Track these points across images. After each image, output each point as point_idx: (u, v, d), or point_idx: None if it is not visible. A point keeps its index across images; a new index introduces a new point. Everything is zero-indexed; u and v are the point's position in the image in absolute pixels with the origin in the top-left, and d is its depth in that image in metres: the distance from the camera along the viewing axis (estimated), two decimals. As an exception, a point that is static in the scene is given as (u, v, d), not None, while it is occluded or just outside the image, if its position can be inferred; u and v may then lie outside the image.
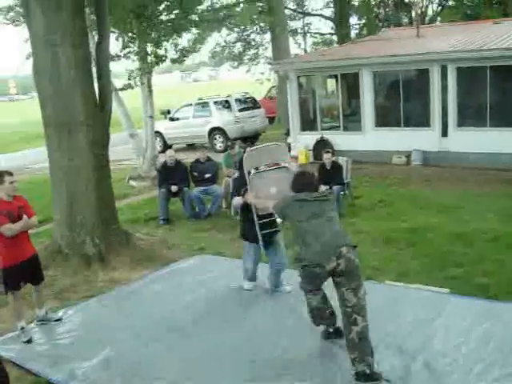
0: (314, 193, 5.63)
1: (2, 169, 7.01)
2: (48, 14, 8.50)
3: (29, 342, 6.56)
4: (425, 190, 12.69)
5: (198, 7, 17.77)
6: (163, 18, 16.37)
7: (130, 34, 15.31)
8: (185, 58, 18.39)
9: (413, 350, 5.63)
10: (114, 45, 15.71)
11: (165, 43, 16.31)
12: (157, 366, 5.82)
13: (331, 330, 5.98)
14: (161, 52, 16.21)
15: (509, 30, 16.43)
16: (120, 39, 15.68)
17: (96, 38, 10.01)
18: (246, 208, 7.05)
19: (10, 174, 6.51)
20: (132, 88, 16.29)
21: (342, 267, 5.16)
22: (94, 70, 9.56)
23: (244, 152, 7.92)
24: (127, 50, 15.86)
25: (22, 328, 6.66)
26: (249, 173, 6.82)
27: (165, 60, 16.73)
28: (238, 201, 7.16)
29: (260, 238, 6.98)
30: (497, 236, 8.87)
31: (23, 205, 6.64)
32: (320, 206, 5.50)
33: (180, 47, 17.62)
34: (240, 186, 7.19)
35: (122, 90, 16.18)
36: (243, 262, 7.59)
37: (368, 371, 5.08)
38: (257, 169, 6.85)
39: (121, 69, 17.69)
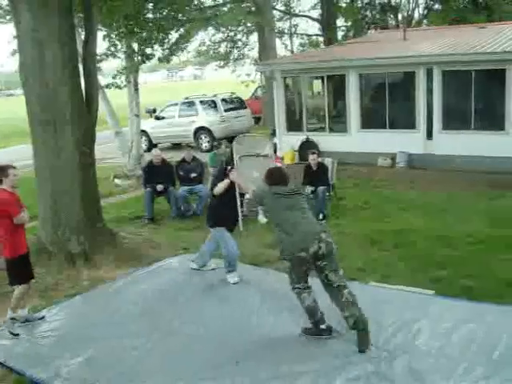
0: (288, 187, 6.12)
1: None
2: (35, 11, 8.45)
3: (16, 335, 6.55)
4: (410, 192, 12.75)
5: (187, 7, 17.69)
6: (150, 15, 16.28)
7: (119, 31, 15.17)
8: (171, 57, 18.32)
9: (396, 350, 5.66)
10: (101, 43, 15.63)
11: (153, 41, 16.22)
12: (141, 364, 5.82)
13: (323, 326, 6.02)
14: (148, 51, 16.14)
15: (494, 34, 16.57)
16: (107, 38, 15.56)
17: (83, 35, 9.96)
18: (226, 192, 7.42)
19: (13, 167, 6.72)
20: (120, 88, 16.19)
21: (324, 250, 5.71)
22: (80, 67, 9.51)
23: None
24: (114, 48, 15.78)
25: (13, 319, 6.66)
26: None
27: (152, 58, 16.66)
28: (223, 183, 7.44)
29: (240, 217, 7.57)
30: (481, 239, 8.94)
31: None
32: (294, 199, 6.07)
33: (167, 45, 17.54)
34: (220, 178, 7.58)
35: (107, 87, 16.07)
36: (225, 256, 7.73)
37: (364, 319, 5.68)
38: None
39: (106, 66, 17.63)
